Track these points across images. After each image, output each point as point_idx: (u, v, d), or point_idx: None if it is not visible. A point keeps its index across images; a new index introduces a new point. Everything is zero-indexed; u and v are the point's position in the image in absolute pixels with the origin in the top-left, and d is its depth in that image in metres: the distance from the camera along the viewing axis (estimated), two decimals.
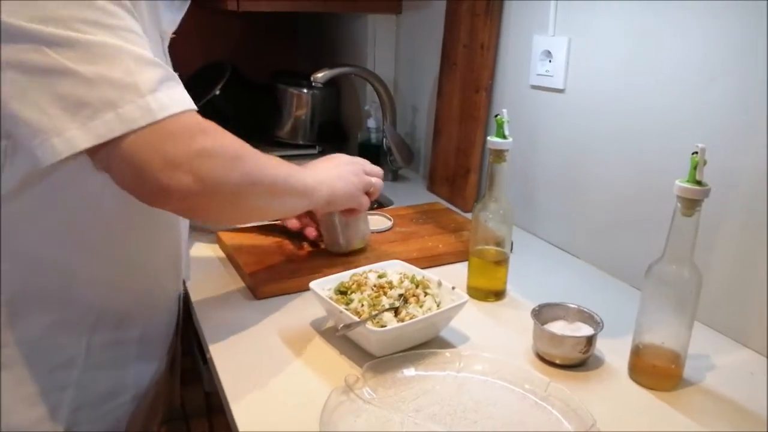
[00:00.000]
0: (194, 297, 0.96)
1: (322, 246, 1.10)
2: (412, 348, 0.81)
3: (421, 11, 1.62)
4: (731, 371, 0.80)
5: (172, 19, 0.81)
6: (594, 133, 1.08)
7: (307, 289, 0.86)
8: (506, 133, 0.91)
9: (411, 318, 0.79)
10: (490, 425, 0.68)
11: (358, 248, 1.08)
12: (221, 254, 1.11)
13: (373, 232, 1.17)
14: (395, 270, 0.92)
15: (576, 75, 1.11)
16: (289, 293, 0.97)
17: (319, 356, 0.81)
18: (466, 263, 1.00)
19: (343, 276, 0.89)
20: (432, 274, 0.90)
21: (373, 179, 0.99)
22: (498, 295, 0.98)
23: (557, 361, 0.80)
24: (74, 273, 0.77)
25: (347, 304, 0.83)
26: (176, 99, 0.64)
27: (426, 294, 0.85)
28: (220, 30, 2.14)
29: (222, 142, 0.68)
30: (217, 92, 1.76)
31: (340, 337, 0.80)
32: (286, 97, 1.89)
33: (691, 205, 0.69)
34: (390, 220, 1.23)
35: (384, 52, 1.79)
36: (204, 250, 1.12)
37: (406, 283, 0.87)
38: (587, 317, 0.83)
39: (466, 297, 0.84)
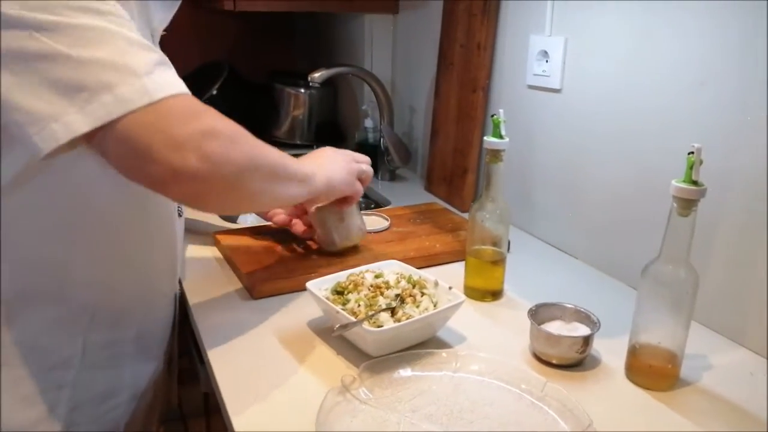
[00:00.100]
0: (191, 297, 0.96)
1: (310, 249, 1.09)
2: (409, 348, 0.81)
3: (417, 11, 1.62)
4: (728, 371, 0.80)
5: (162, 18, 0.81)
6: (591, 133, 1.08)
7: (304, 289, 0.86)
8: (503, 133, 0.91)
9: (408, 318, 0.79)
10: (487, 425, 0.68)
11: (353, 245, 1.08)
12: (218, 254, 1.11)
13: (370, 232, 1.17)
14: (392, 270, 0.92)
15: (573, 75, 1.11)
16: (285, 293, 0.96)
17: (315, 356, 0.81)
18: (463, 263, 1.00)
19: (340, 276, 0.89)
20: (429, 274, 0.90)
21: (364, 166, 0.99)
22: (495, 295, 0.98)
23: (554, 361, 0.80)
24: (69, 272, 0.76)
25: (344, 304, 0.83)
26: (171, 81, 0.64)
27: (423, 294, 0.85)
28: (217, 30, 2.14)
29: (223, 124, 0.67)
30: (215, 92, 1.76)
31: (337, 338, 0.80)
32: (283, 96, 1.89)
33: (687, 205, 0.69)
34: (387, 220, 1.23)
35: (381, 52, 1.79)
36: (200, 251, 1.12)
37: (403, 283, 0.87)
38: (584, 317, 0.83)
39: (463, 297, 0.84)
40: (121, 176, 0.75)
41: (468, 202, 1.37)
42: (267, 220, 1.13)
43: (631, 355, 0.78)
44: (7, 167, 0.68)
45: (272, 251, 1.08)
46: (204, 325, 0.88)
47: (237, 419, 0.69)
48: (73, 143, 0.60)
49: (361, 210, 1.10)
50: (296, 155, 0.86)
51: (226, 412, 0.70)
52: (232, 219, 1.39)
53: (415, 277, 0.89)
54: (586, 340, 0.79)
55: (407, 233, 1.19)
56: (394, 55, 1.79)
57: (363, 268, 0.91)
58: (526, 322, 0.82)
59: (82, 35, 0.59)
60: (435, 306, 0.84)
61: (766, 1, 0.77)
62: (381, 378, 0.75)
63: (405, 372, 0.76)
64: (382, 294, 0.84)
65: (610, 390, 0.76)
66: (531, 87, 1.21)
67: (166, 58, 0.66)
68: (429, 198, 1.48)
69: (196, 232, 1.18)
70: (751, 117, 0.81)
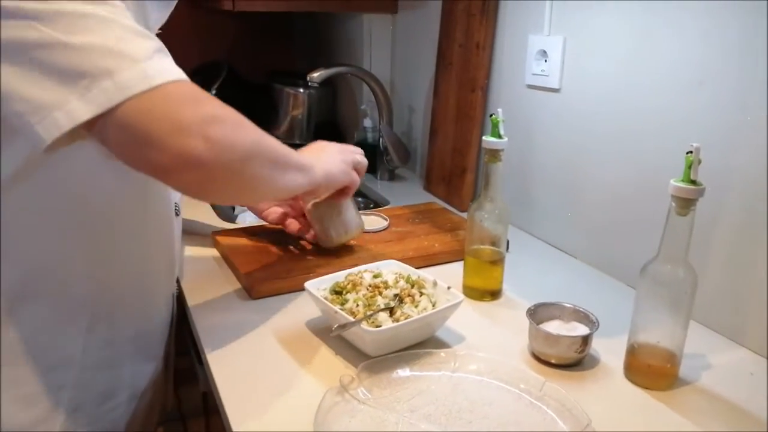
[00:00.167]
0: (189, 297, 0.95)
1: (309, 248, 1.09)
2: (408, 348, 0.80)
3: (416, 11, 1.62)
4: (727, 370, 0.80)
5: (159, 17, 0.81)
6: (590, 133, 1.08)
7: (303, 289, 0.86)
8: (501, 132, 0.91)
9: (406, 318, 0.79)
10: (486, 425, 0.68)
11: (351, 239, 1.08)
12: (216, 255, 1.11)
13: (368, 232, 1.17)
14: (390, 270, 0.92)
15: (571, 75, 1.11)
16: (284, 293, 0.96)
17: (314, 356, 0.81)
18: (462, 263, 1.00)
19: (339, 276, 0.89)
20: (427, 274, 0.90)
21: (358, 156, 0.99)
22: (494, 294, 0.98)
23: (553, 361, 0.80)
24: (68, 269, 0.76)
25: (342, 304, 0.83)
26: (170, 68, 0.63)
27: (421, 294, 0.85)
28: (216, 30, 2.14)
29: (224, 109, 0.67)
30: (213, 92, 1.76)
31: (336, 338, 0.80)
32: (282, 96, 1.89)
33: (685, 204, 0.69)
34: (386, 220, 1.23)
35: (380, 52, 1.79)
36: (199, 251, 1.12)
37: (402, 282, 0.87)
38: (583, 317, 0.83)
39: (462, 297, 0.84)
40: (119, 174, 0.75)
41: (467, 202, 1.37)
42: (261, 218, 1.13)
43: (630, 354, 0.78)
44: (7, 162, 0.67)
45: (271, 251, 1.08)
46: (202, 325, 0.88)
47: (235, 419, 0.69)
48: (74, 134, 0.60)
49: (360, 209, 1.10)
50: None
51: (225, 412, 0.70)
52: (231, 219, 1.39)
53: (414, 277, 0.89)
54: (585, 340, 0.79)
55: (406, 233, 1.19)
56: (393, 54, 1.79)
57: (361, 267, 0.91)
58: (525, 322, 0.82)
59: (81, 23, 0.59)
60: (434, 306, 0.84)
61: (764, 1, 0.77)
62: (379, 378, 0.75)
63: (403, 372, 0.76)
64: (380, 294, 0.84)
65: (608, 389, 0.76)
66: (530, 87, 1.21)
67: (164, 47, 0.66)
68: (428, 198, 1.48)
69: (194, 232, 1.18)
70: (750, 117, 0.80)
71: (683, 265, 0.72)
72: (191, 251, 1.11)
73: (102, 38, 0.59)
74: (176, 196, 0.91)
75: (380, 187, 1.60)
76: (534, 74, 1.18)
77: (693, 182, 0.69)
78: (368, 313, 0.79)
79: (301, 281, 0.88)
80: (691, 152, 0.68)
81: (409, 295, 0.84)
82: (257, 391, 0.74)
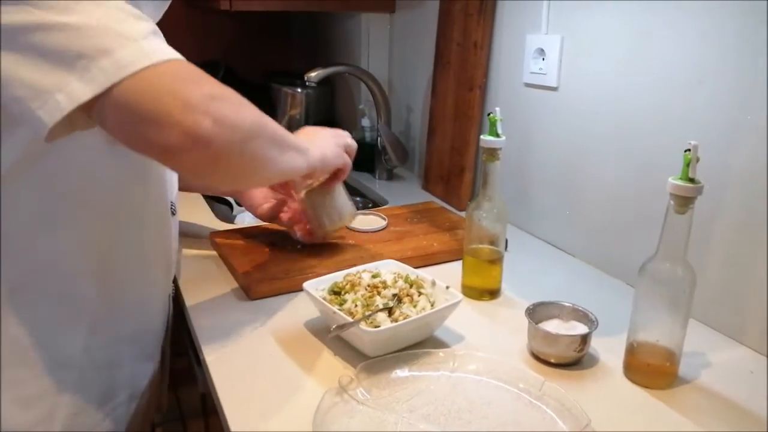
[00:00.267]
0: (187, 298, 0.95)
1: (307, 249, 1.09)
2: (407, 348, 0.80)
3: (414, 10, 1.62)
4: (727, 369, 0.80)
5: (153, 16, 0.80)
6: (588, 131, 1.08)
7: (301, 289, 0.86)
8: (499, 131, 0.91)
9: (405, 318, 0.79)
10: (485, 425, 0.68)
11: (344, 226, 1.08)
12: (214, 255, 1.10)
13: (367, 232, 1.17)
14: (389, 270, 0.91)
15: (569, 73, 1.11)
16: (282, 294, 0.96)
17: (312, 357, 0.81)
18: (460, 262, 0.99)
19: (337, 276, 0.89)
20: (426, 274, 0.90)
21: (348, 139, 0.99)
22: (492, 293, 0.98)
23: (552, 360, 0.80)
24: (68, 267, 0.76)
25: (341, 304, 0.82)
26: (167, 49, 0.62)
27: (420, 294, 0.85)
28: (213, 30, 2.14)
29: (225, 88, 0.66)
30: None
31: (334, 338, 0.80)
32: (280, 96, 1.89)
33: (684, 202, 0.69)
34: (384, 219, 1.23)
35: (378, 51, 1.78)
36: (197, 251, 1.12)
37: (400, 282, 0.87)
38: (582, 316, 0.83)
39: (460, 296, 0.84)
40: (115, 170, 0.75)
41: (465, 201, 1.37)
42: (255, 214, 1.13)
43: (629, 353, 0.78)
44: (7, 153, 0.67)
45: (269, 252, 1.07)
46: (201, 326, 0.88)
47: (234, 420, 0.68)
48: (71, 123, 0.59)
49: (358, 209, 1.10)
50: None
51: (223, 413, 0.70)
52: (229, 220, 1.39)
53: (413, 277, 0.89)
54: (584, 339, 0.79)
55: (404, 232, 1.18)
56: (391, 54, 1.79)
57: (360, 268, 0.91)
58: (524, 321, 0.82)
59: (75, 5, 0.58)
60: (432, 305, 0.84)
61: (762, 0, 0.77)
62: (378, 378, 0.74)
63: (402, 372, 0.76)
64: (379, 294, 0.84)
65: (608, 389, 0.76)
66: (528, 85, 1.21)
67: (159, 31, 0.65)
68: (426, 197, 1.48)
69: (192, 232, 1.17)
70: (750, 116, 0.80)
71: (682, 263, 0.71)
72: (189, 252, 1.11)
73: (97, 19, 0.59)
74: (173, 195, 0.90)
75: (378, 187, 1.60)
76: (532, 73, 1.18)
77: (691, 180, 0.69)
78: (367, 313, 0.79)
79: (299, 281, 0.88)
80: (690, 150, 0.68)
81: (407, 295, 0.84)
82: (256, 392, 0.74)
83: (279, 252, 1.07)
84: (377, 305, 0.81)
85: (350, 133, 1.33)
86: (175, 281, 1.00)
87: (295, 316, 0.90)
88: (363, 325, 0.76)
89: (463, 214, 1.31)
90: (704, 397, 0.75)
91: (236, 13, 1.57)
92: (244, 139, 0.66)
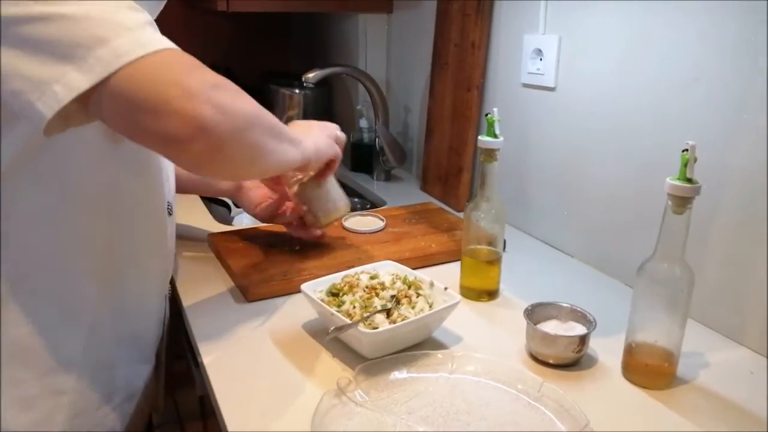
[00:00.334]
0: (185, 300, 0.95)
1: (305, 250, 1.09)
2: (405, 349, 0.80)
3: (411, 11, 1.62)
4: (725, 369, 0.80)
5: (149, 14, 0.80)
6: (586, 131, 1.08)
7: (299, 291, 0.85)
8: (497, 132, 0.91)
9: (403, 319, 0.79)
10: (483, 426, 0.68)
11: (341, 217, 1.08)
12: (212, 256, 1.10)
13: (365, 233, 1.17)
14: (387, 271, 0.91)
15: (567, 73, 1.11)
16: (280, 295, 0.96)
17: (310, 359, 0.80)
18: (459, 263, 0.99)
19: (335, 278, 0.89)
20: (424, 275, 0.89)
21: (337, 131, 0.99)
22: (491, 294, 0.98)
23: (550, 361, 0.79)
24: (66, 265, 0.75)
25: (339, 306, 0.82)
26: (163, 39, 0.62)
27: (418, 295, 0.85)
28: (211, 31, 2.14)
29: (222, 78, 0.65)
30: None
31: (333, 340, 0.79)
32: (278, 97, 1.88)
33: (681, 202, 0.69)
34: (382, 220, 1.23)
35: (375, 52, 1.78)
36: (195, 253, 1.11)
37: (398, 284, 0.87)
38: (580, 316, 0.83)
39: (459, 297, 0.84)
40: (114, 170, 0.75)
41: (463, 202, 1.37)
42: (254, 214, 1.12)
43: (628, 353, 0.78)
44: (6, 148, 0.67)
45: (267, 253, 1.07)
46: (198, 327, 0.87)
47: (232, 423, 0.68)
48: (68, 118, 0.59)
49: (356, 209, 1.10)
50: None
51: (221, 415, 0.70)
52: (227, 221, 1.39)
53: (411, 278, 0.89)
54: (583, 340, 0.79)
55: (402, 233, 1.18)
56: (389, 54, 1.78)
57: (358, 269, 0.91)
58: (522, 322, 0.82)
59: None
60: (431, 307, 0.84)
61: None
62: (377, 380, 0.74)
63: (401, 374, 0.76)
64: (377, 295, 0.84)
65: (606, 389, 0.76)
66: (525, 85, 1.20)
67: (155, 24, 0.65)
68: (424, 198, 1.48)
69: (190, 234, 1.17)
70: (747, 115, 0.80)
71: (680, 263, 0.71)
72: (187, 254, 1.11)
73: (93, 9, 0.58)
74: (170, 195, 0.90)
75: (376, 188, 1.60)
76: (529, 73, 1.18)
77: (689, 180, 0.69)
78: (365, 314, 0.79)
79: (297, 283, 0.88)
80: (687, 150, 0.68)
81: (405, 297, 0.84)
82: (254, 394, 0.73)
83: (277, 253, 1.07)
84: (375, 307, 0.81)
85: (348, 133, 1.33)
86: (172, 282, 1.00)
87: (293, 317, 0.90)
88: (361, 327, 0.76)
89: (461, 214, 1.31)
90: (703, 397, 0.75)
91: (234, 14, 1.57)
92: (244, 127, 0.65)
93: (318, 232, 1.10)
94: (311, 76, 1.50)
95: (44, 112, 0.57)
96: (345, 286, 0.86)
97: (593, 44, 1.04)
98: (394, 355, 0.78)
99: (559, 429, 0.67)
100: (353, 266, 0.93)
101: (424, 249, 1.11)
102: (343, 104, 1.94)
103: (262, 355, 0.81)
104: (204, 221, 1.26)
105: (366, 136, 1.71)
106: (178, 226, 0.97)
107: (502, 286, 0.99)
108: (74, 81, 0.57)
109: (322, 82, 1.57)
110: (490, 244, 0.96)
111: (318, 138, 0.92)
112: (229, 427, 0.68)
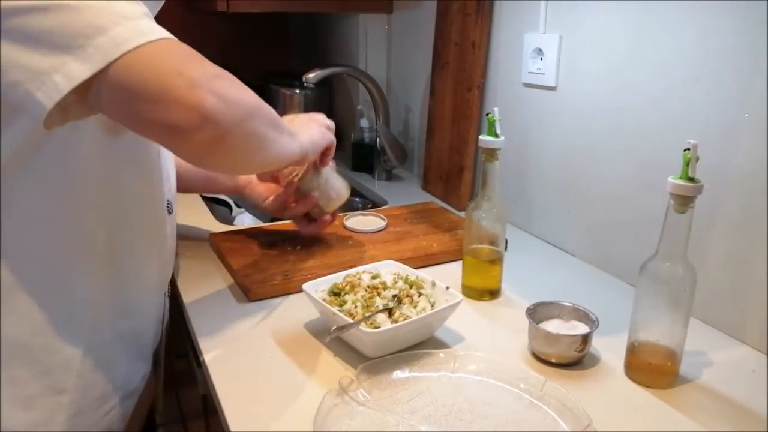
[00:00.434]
0: (187, 299, 0.95)
1: (307, 250, 1.09)
2: (407, 349, 0.80)
3: (411, 11, 1.62)
4: (728, 368, 0.80)
5: None
6: (587, 131, 1.08)
7: (300, 290, 0.85)
8: (498, 131, 0.90)
9: (405, 319, 0.79)
10: (486, 425, 0.68)
11: (342, 203, 1.09)
12: (213, 256, 1.10)
13: (366, 233, 1.17)
14: (389, 270, 0.91)
15: (567, 72, 1.11)
16: (282, 295, 0.96)
17: (312, 358, 0.80)
18: (460, 262, 0.99)
19: (337, 277, 0.88)
20: (426, 274, 0.89)
21: (327, 120, 0.99)
22: (493, 294, 0.98)
23: (553, 360, 0.79)
24: (66, 264, 0.75)
25: (341, 305, 0.82)
26: (161, 30, 0.62)
27: (420, 294, 0.85)
28: (210, 32, 2.13)
29: (221, 69, 0.65)
30: None
31: (334, 339, 0.79)
32: (278, 97, 1.88)
33: (684, 201, 0.69)
34: (384, 220, 1.23)
35: (376, 52, 1.78)
36: (196, 252, 1.11)
37: (400, 283, 0.87)
38: (582, 315, 0.82)
39: (461, 297, 0.83)
40: (113, 166, 0.74)
41: (465, 201, 1.37)
42: (263, 208, 1.12)
43: (630, 353, 0.78)
44: (6, 143, 0.66)
45: (268, 253, 1.07)
46: (200, 327, 0.87)
47: (234, 422, 0.68)
48: (67, 111, 0.59)
49: (357, 209, 1.10)
50: None
51: (223, 414, 0.70)
52: (228, 221, 1.39)
53: (412, 278, 0.88)
54: (585, 339, 0.79)
55: (404, 233, 1.18)
56: (389, 54, 1.78)
57: (360, 268, 0.91)
58: (525, 321, 0.82)
59: None
60: (432, 306, 0.83)
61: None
62: (379, 379, 0.74)
63: (403, 373, 0.76)
64: (379, 295, 0.83)
65: (609, 388, 0.76)
66: (526, 85, 1.20)
67: (152, 16, 0.64)
68: (426, 197, 1.48)
69: (191, 234, 1.17)
70: (748, 114, 0.80)
71: (682, 262, 0.71)
72: (189, 253, 1.11)
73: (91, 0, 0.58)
74: (170, 193, 0.90)
75: (378, 188, 1.60)
76: (530, 73, 1.18)
77: (691, 179, 0.69)
78: (367, 314, 0.79)
79: (298, 283, 0.88)
80: (689, 149, 0.68)
81: (407, 296, 0.83)
82: (256, 393, 0.73)
83: (278, 253, 1.07)
84: (377, 306, 0.81)
85: (349, 133, 1.33)
86: (174, 282, 1.00)
87: (294, 317, 0.90)
88: (363, 326, 0.76)
89: (462, 214, 1.31)
90: (706, 396, 0.74)
91: (234, 14, 1.57)
92: (246, 117, 0.65)
93: (327, 217, 1.10)
94: (312, 76, 1.50)
95: (44, 102, 0.57)
96: (347, 285, 0.86)
97: (594, 43, 1.04)
98: (396, 354, 0.78)
99: (562, 428, 0.67)
100: (355, 266, 0.93)
101: (425, 248, 1.11)
102: (343, 104, 1.94)
103: (263, 355, 0.81)
104: (205, 221, 1.26)
105: (367, 136, 1.71)
106: (180, 226, 0.97)
107: (504, 286, 0.99)
108: (74, 70, 0.56)
109: (322, 82, 1.57)
110: (491, 243, 0.96)
111: (311, 130, 0.92)
112: (232, 426, 0.68)
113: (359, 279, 0.88)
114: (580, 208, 1.12)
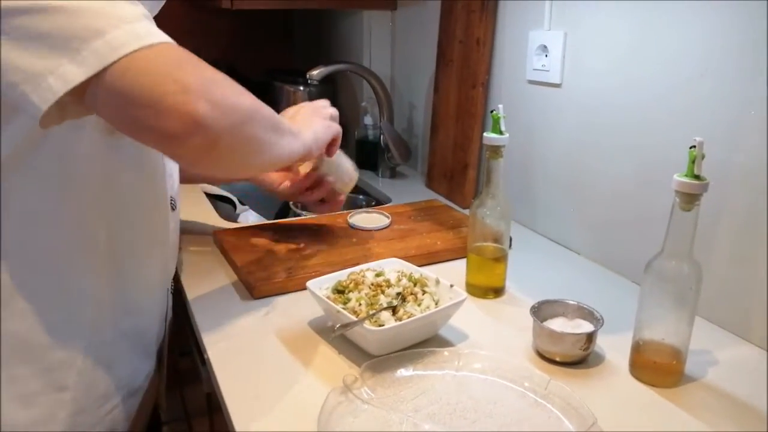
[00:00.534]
0: (191, 296, 0.95)
1: (311, 247, 1.09)
2: (411, 347, 0.80)
3: (416, 7, 1.62)
4: (733, 366, 0.80)
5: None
6: (592, 128, 1.07)
7: (304, 288, 0.85)
8: (502, 128, 0.90)
9: (409, 317, 0.78)
10: (490, 424, 0.68)
11: (355, 181, 1.12)
12: (217, 253, 1.10)
13: (370, 230, 1.17)
14: (393, 268, 0.91)
15: (572, 69, 1.10)
16: (286, 292, 0.96)
17: (316, 356, 0.80)
18: (464, 260, 0.99)
19: (341, 275, 0.88)
20: (430, 272, 0.89)
21: (329, 109, 0.99)
22: (497, 292, 0.97)
23: (557, 359, 0.79)
24: (67, 262, 0.75)
25: (345, 303, 0.82)
26: (160, 33, 0.61)
27: (424, 292, 0.85)
28: (214, 28, 2.13)
29: (220, 73, 0.65)
30: None
31: (338, 337, 0.79)
32: (282, 94, 1.88)
33: (689, 199, 0.69)
34: (388, 217, 1.22)
35: (380, 49, 1.78)
36: (200, 250, 1.11)
37: (404, 281, 0.87)
38: (587, 314, 0.82)
39: (465, 294, 0.83)
40: (114, 164, 0.74)
41: (469, 199, 1.37)
42: (276, 191, 1.14)
43: (635, 351, 0.77)
44: (6, 141, 0.67)
45: (272, 250, 1.07)
46: (204, 324, 0.87)
47: (238, 420, 0.68)
48: (64, 110, 0.59)
49: (361, 206, 1.10)
50: None
51: (228, 412, 0.70)
52: (233, 218, 1.39)
53: (416, 275, 0.88)
54: (590, 337, 0.78)
55: (408, 231, 1.18)
56: (393, 51, 1.78)
57: (364, 266, 0.91)
58: (529, 320, 0.81)
59: None
60: (437, 304, 0.83)
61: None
62: (383, 377, 0.74)
63: (407, 371, 0.76)
64: (383, 292, 0.83)
65: (614, 387, 0.76)
66: (531, 82, 1.20)
67: (152, 18, 0.64)
68: (430, 195, 1.48)
69: (195, 231, 1.17)
70: (754, 111, 0.80)
71: (688, 260, 0.71)
72: (193, 250, 1.11)
73: (90, 1, 0.58)
74: (173, 189, 0.90)
75: (381, 185, 1.60)
76: (535, 69, 1.17)
77: (697, 177, 0.68)
78: (371, 312, 0.79)
79: (302, 280, 0.87)
80: (695, 147, 0.67)
81: (411, 294, 0.83)
82: (260, 391, 0.73)
83: (282, 250, 1.07)
84: (381, 304, 0.81)
85: (353, 131, 1.32)
86: (178, 279, 1.00)
87: (298, 314, 0.90)
88: (367, 324, 0.76)
89: (466, 211, 1.31)
90: (711, 395, 0.74)
91: (237, 11, 1.57)
92: (242, 122, 0.65)
93: (342, 197, 1.13)
94: (316, 73, 1.49)
95: (39, 104, 0.57)
96: (351, 283, 0.86)
97: (598, 40, 1.04)
98: (400, 352, 0.78)
99: (566, 427, 0.67)
100: (359, 263, 0.93)
101: (429, 246, 1.11)
102: (347, 101, 1.94)
103: (267, 352, 0.81)
104: (209, 218, 1.26)
105: (371, 133, 1.71)
106: (183, 223, 0.97)
107: (508, 284, 0.99)
108: (69, 73, 0.56)
109: (326, 79, 1.57)
110: (495, 241, 0.95)
111: (314, 125, 0.92)
112: (236, 424, 0.68)
113: (363, 277, 0.87)
114: (584, 206, 1.11)
